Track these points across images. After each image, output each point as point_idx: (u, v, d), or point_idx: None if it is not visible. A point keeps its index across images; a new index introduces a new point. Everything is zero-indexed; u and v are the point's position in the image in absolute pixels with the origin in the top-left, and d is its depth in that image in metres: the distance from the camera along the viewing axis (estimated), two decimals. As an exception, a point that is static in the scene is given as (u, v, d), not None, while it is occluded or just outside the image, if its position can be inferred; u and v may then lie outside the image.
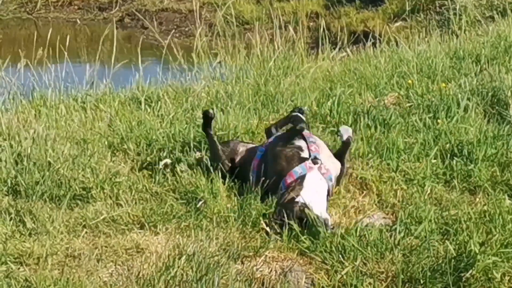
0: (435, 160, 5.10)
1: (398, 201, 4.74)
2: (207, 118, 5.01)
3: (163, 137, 5.39)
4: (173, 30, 13.78)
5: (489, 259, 3.97)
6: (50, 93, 7.02)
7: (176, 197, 4.72)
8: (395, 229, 4.29)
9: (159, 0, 16.38)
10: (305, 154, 4.69)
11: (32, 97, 7.08)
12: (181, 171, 4.89)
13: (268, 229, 4.31)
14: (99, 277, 4.00)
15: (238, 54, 8.08)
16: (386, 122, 5.60)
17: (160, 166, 4.98)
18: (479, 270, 3.95)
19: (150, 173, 5.01)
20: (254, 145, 5.10)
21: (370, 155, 5.14)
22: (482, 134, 5.31)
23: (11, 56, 7.67)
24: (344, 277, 4.00)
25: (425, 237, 4.22)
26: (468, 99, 5.89)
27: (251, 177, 4.77)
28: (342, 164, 4.82)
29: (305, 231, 4.26)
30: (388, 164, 5.05)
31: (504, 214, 4.41)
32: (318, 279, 4.04)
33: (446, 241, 4.20)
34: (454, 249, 4.09)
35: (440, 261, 4.05)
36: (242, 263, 4.13)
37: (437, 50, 7.63)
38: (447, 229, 4.34)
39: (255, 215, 4.45)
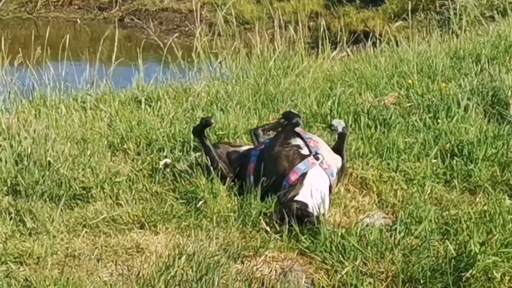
0: (435, 160, 5.10)
1: (398, 201, 4.73)
2: (205, 126, 4.91)
3: (163, 137, 5.39)
4: (173, 30, 13.78)
5: (489, 259, 3.97)
6: (50, 92, 7.03)
7: (176, 197, 4.72)
8: (395, 229, 4.29)
9: (159, 0, 16.39)
10: (305, 151, 4.67)
11: (32, 97, 7.08)
12: (181, 171, 4.89)
13: (268, 228, 4.31)
14: (99, 277, 4.00)
15: (238, 54, 8.08)
16: (386, 122, 5.59)
17: (160, 166, 4.98)
18: (479, 270, 3.95)
19: (150, 173, 5.00)
20: (245, 148, 5.04)
21: (370, 155, 5.13)
22: (482, 134, 5.30)
23: (11, 56, 7.67)
24: (344, 277, 4.00)
25: (425, 237, 4.22)
26: (468, 99, 5.88)
27: (247, 181, 4.72)
28: (342, 157, 4.80)
29: (305, 231, 4.26)
30: (388, 164, 5.04)
31: (504, 214, 4.41)
32: (318, 279, 4.04)
33: (446, 241, 4.19)
34: (454, 249, 4.09)
35: (440, 261, 4.05)
36: (242, 263, 4.13)
37: (437, 50, 7.62)
38: (447, 229, 4.34)
39: (255, 215, 4.45)
